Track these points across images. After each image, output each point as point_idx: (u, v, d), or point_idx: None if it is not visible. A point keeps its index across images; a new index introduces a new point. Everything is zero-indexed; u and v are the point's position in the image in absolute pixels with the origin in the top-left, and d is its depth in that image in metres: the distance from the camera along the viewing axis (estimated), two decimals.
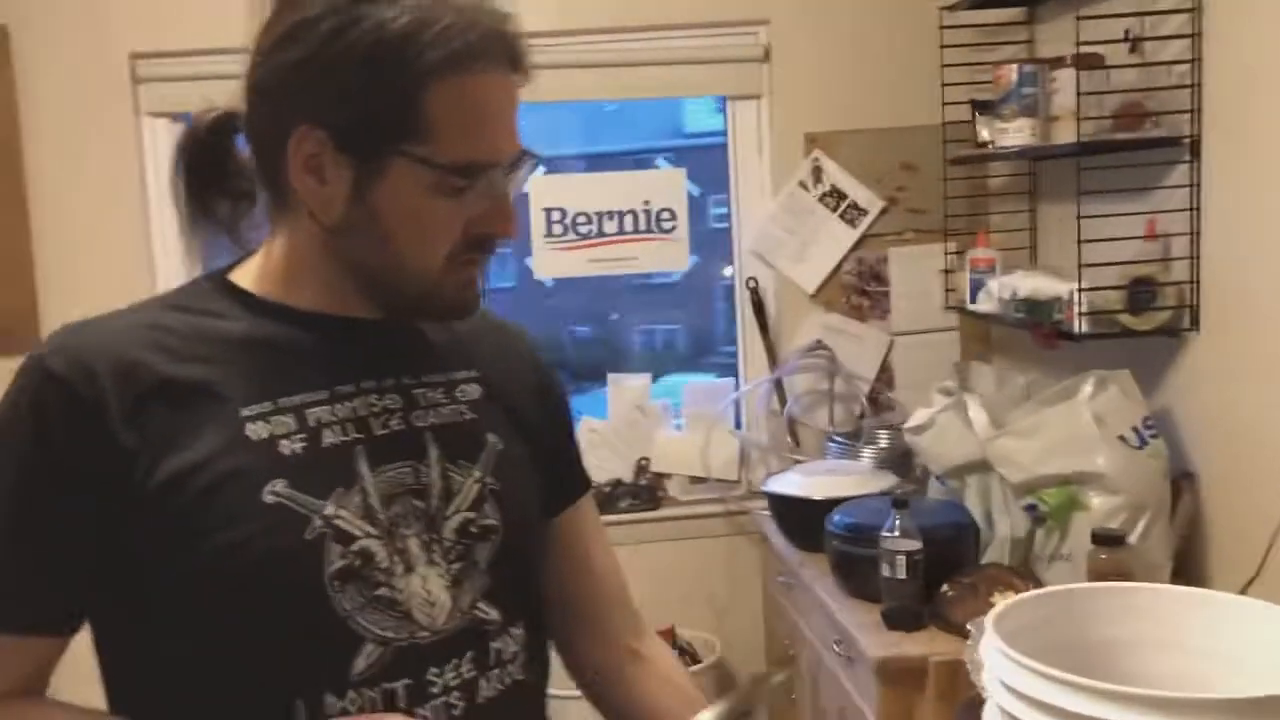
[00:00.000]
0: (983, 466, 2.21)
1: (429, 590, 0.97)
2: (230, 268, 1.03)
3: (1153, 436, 2.14)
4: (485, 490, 1.03)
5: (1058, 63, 2.38)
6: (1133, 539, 2.07)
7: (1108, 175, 2.29)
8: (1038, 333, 2.30)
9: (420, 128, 0.91)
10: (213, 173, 1.02)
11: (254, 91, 0.96)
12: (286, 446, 0.94)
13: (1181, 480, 2.22)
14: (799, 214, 3.03)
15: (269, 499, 0.92)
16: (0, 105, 2.79)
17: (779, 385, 3.06)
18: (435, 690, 0.97)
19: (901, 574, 2.04)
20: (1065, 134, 2.32)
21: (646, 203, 3.09)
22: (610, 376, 3.19)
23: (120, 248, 2.91)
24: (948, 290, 2.89)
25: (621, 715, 1.19)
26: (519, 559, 1.06)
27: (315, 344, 1.00)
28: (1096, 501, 2.09)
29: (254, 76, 0.95)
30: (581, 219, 3.08)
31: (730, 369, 3.23)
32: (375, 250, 0.96)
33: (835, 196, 3.02)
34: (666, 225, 3.10)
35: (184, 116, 2.95)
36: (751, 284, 3.07)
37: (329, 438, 0.96)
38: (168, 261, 2.97)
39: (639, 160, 3.95)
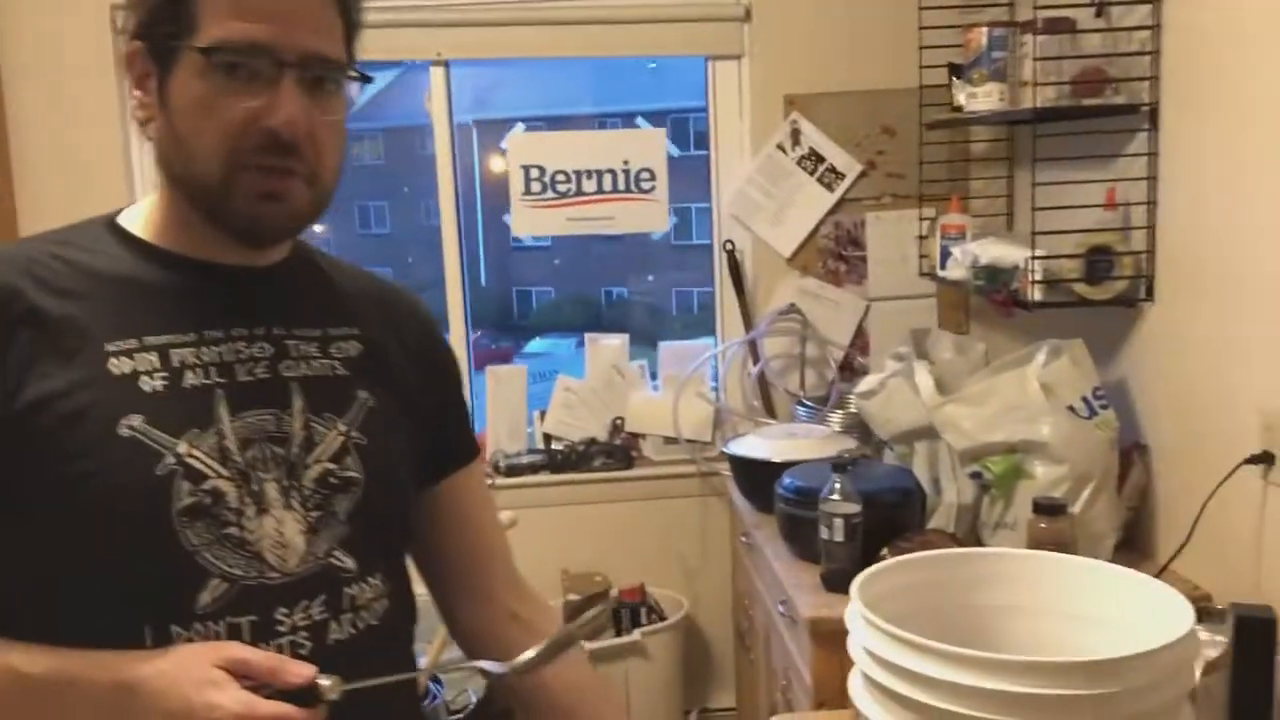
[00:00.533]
0: (930, 433, 2.21)
1: (282, 533, 1.00)
2: (121, 210, 1.07)
3: (1103, 407, 2.13)
4: (349, 443, 1.06)
5: (1027, 26, 2.35)
6: (1075, 509, 2.07)
7: (1070, 142, 2.26)
8: (994, 300, 2.29)
9: (194, 20, 0.97)
10: None
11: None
12: (147, 383, 0.98)
13: (1133, 451, 2.21)
14: (776, 176, 3.01)
15: (124, 432, 0.95)
16: None
17: (753, 348, 3.06)
18: (282, 629, 0.99)
19: (840, 536, 2.05)
20: (1030, 99, 2.29)
21: (626, 162, 3.09)
22: (588, 336, 3.21)
23: (110, 203, 2.95)
24: (921, 256, 2.88)
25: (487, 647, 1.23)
26: (380, 512, 1.08)
27: (187, 287, 1.03)
28: (1041, 470, 2.08)
29: None
30: (560, 177, 3.08)
31: None
32: (176, 153, 1.00)
33: (813, 159, 3.01)
34: (645, 185, 3.10)
35: None
36: (729, 246, 3.07)
37: (191, 379, 1.00)
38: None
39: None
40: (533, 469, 3.08)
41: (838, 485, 2.05)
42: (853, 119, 2.99)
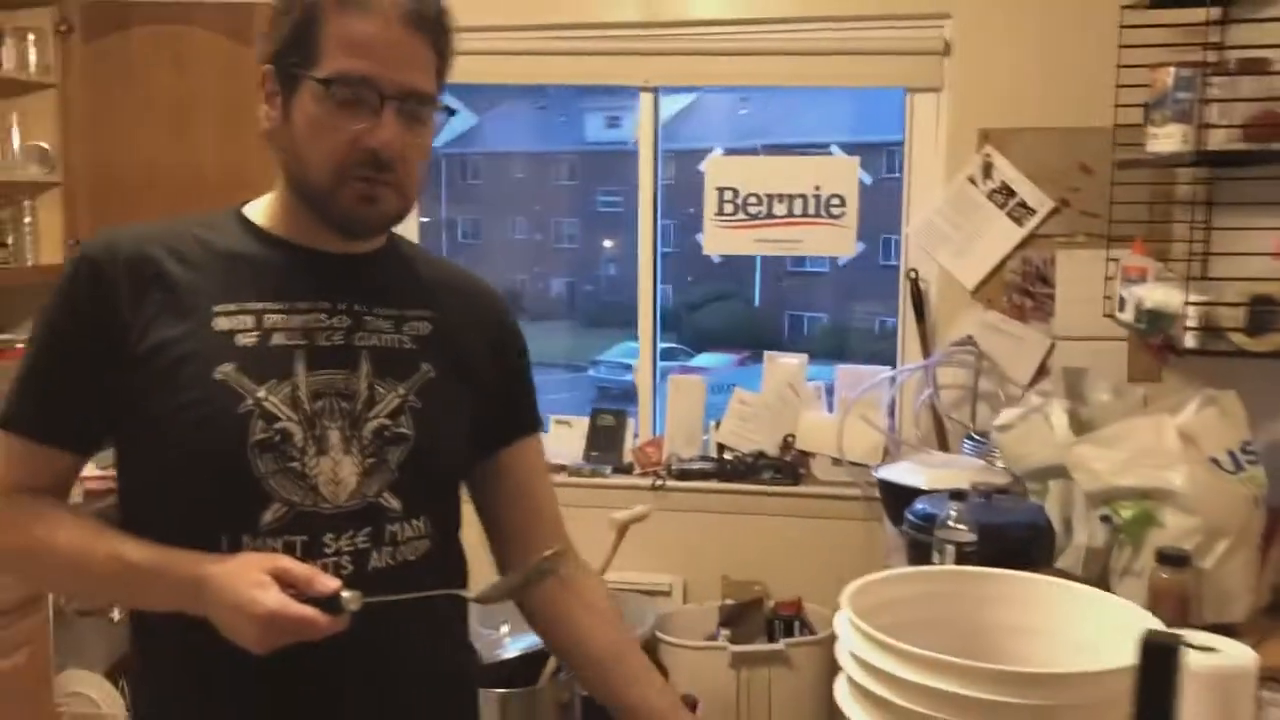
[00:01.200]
0: (1064, 472, 2.18)
1: (337, 472, 1.21)
2: (250, 201, 1.32)
3: (1251, 463, 2.05)
4: (405, 405, 1.26)
5: (1219, 67, 2.29)
6: (1206, 563, 2.00)
7: (1250, 187, 2.19)
8: (1149, 345, 2.23)
9: (316, 54, 1.18)
10: None
11: None
12: (241, 339, 1.21)
13: None
14: (965, 209, 3.02)
15: (218, 376, 1.19)
16: None
17: (933, 379, 3.08)
18: (329, 551, 1.20)
19: (949, 563, 2.07)
20: (1216, 141, 2.23)
21: (817, 188, 3.19)
22: (766, 354, 3.32)
23: None
24: (1106, 298, 2.81)
25: (544, 635, 1.41)
26: (427, 465, 1.27)
27: (287, 266, 1.27)
28: (1171, 520, 2.02)
29: None
30: (752, 200, 3.21)
31: None
32: (294, 160, 1.23)
33: (1004, 193, 2.99)
34: (835, 211, 3.18)
35: None
36: (912, 275, 3.10)
37: (278, 339, 1.22)
38: None
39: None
40: (703, 475, 3.22)
41: (953, 513, 2.08)
42: (1048, 155, 2.96)
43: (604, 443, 3.36)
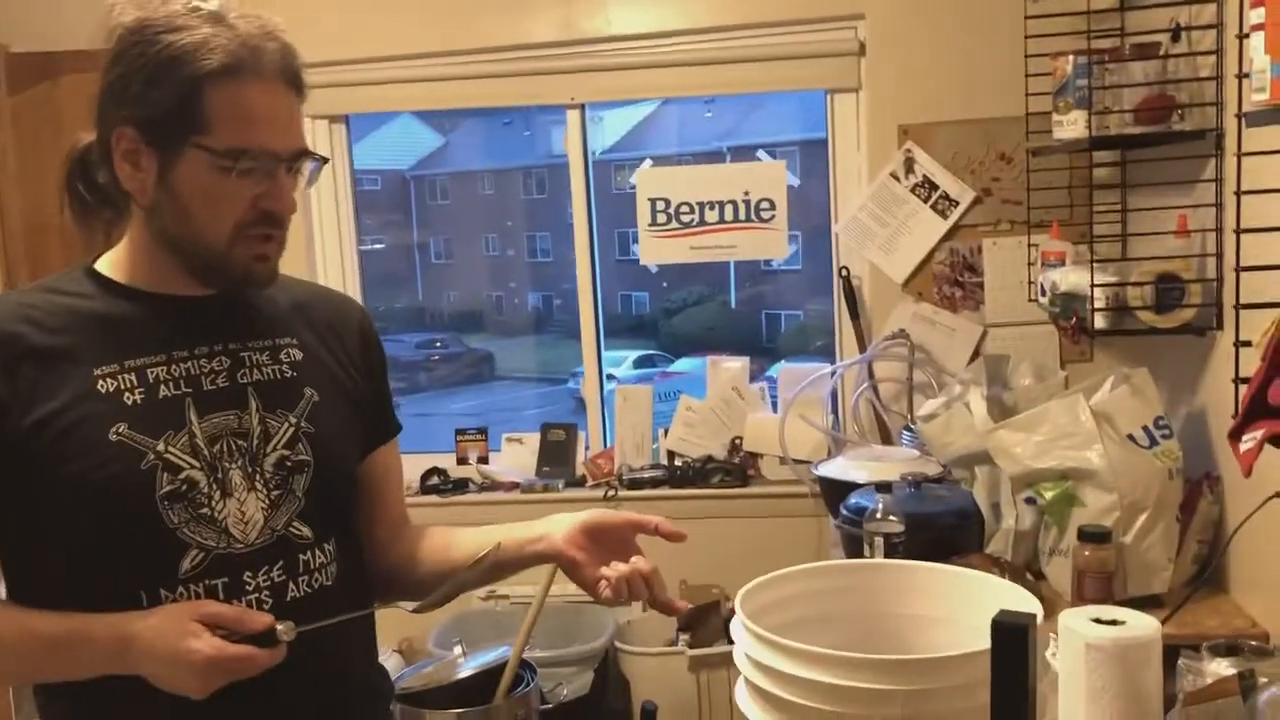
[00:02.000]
0: (988, 458, 2.23)
1: (244, 512, 1.24)
2: (98, 256, 1.33)
3: (1164, 437, 2.11)
4: (299, 432, 1.30)
5: (1114, 53, 2.35)
6: (1127, 538, 2.06)
7: (1157, 168, 2.24)
8: (1062, 328, 2.29)
9: (201, 121, 1.19)
10: (88, 188, 1.32)
11: (95, 108, 1.25)
12: (129, 398, 1.23)
13: (1204, 482, 2.16)
14: (889, 204, 3.07)
15: (113, 438, 1.20)
16: None
17: (870, 373, 3.13)
18: (249, 589, 1.24)
19: (879, 554, 2.11)
20: (1114, 125, 2.29)
21: (746, 193, 3.23)
22: (709, 359, 3.36)
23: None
24: (1029, 283, 2.87)
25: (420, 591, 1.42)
26: (330, 487, 1.32)
27: (155, 317, 1.28)
28: (1092, 498, 2.08)
29: (96, 98, 1.25)
30: (684, 208, 3.26)
31: None
32: (178, 224, 1.24)
33: (927, 187, 3.05)
34: (766, 215, 3.23)
35: (342, 117, 3.38)
36: (844, 272, 3.15)
37: (164, 391, 1.24)
38: (324, 238, 3.43)
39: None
40: (653, 483, 3.25)
41: (880, 504, 2.13)
42: (967, 147, 3.02)
43: (556, 457, 3.39)
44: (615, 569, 1.31)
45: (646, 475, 3.27)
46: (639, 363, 7.48)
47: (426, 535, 1.49)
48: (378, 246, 7.39)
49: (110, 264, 1.31)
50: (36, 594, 1.24)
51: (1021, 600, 1.22)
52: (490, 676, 2.58)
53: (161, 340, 1.27)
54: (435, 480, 3.38)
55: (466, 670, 2.67)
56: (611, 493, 3.26)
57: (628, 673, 3.04)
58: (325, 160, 1.31)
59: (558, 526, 1.37)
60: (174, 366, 1.26)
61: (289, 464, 1.28)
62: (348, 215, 3.47)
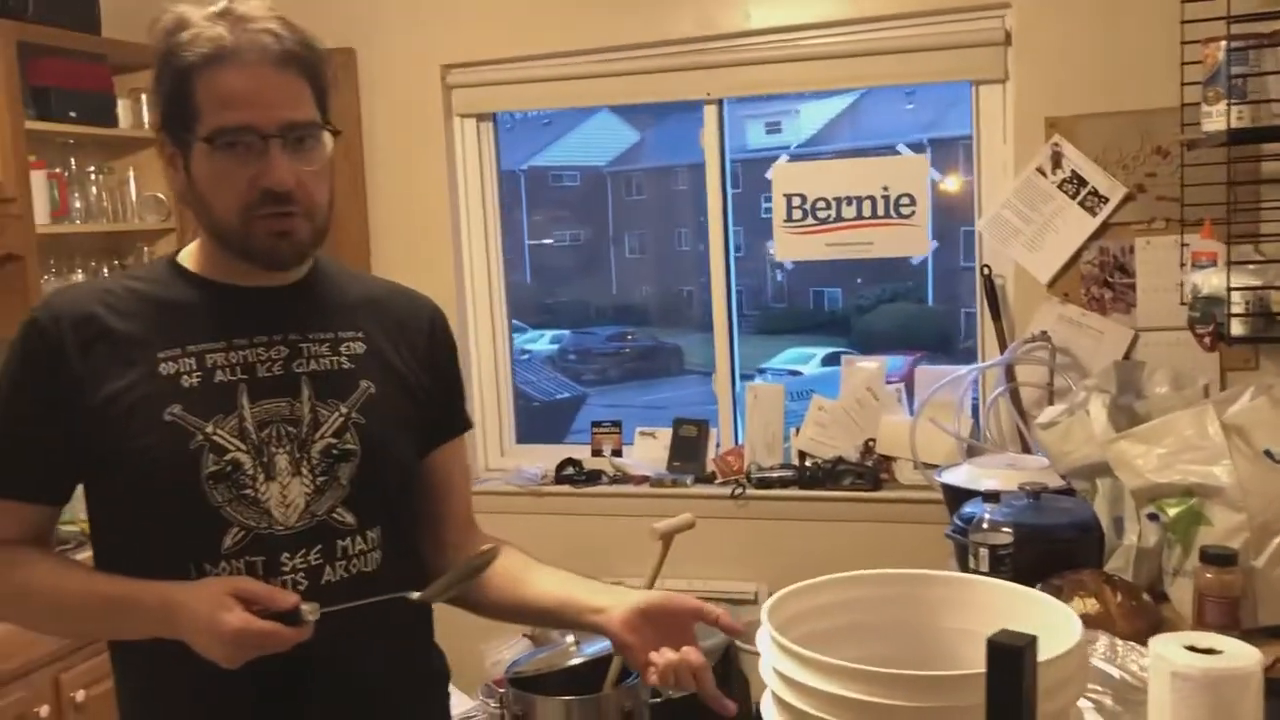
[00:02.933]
0: (1109, 470, 2.11)
1: (286, 495, 1.30)
2: (181, 250, 1.42)
3: None
4: (349, 422, 1.35)
5: (1274, 37, 2.18)
6: (1258, 562, 1.91)
7: None
8: (1199, 334, 2.14)
9: (195, 114, 1.26)
10: None
11: None
12: (186, 380, 1.30)
13: None
14: (1035, 201, 2.93)
15: (167, 417, 1.29)
16: (347, 112, 3.46)
17: (1009, 377, 3.00)
18: (286, 569, 1.30)
19: (985, 567, 2.03)
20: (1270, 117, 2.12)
21: (885, 188, 3.15)
22: (844, 358, 3.30)
23: (435, 225, 3.50)
24: (1180, 284, 2.68)
25: (497, 614, 1.47)
26: (377, 477, 1.36)
27: (219, 305, 1.36)
28: (1219, 517, 1.93)
29: None
30: (820, 204, 3.20)
31: None
32: (203, 214, 1.31)
33: (1075, 183, 2.90)
34: (905, 211, 3.14)
35: (488, 115, 3.48)
36: (986, 271, 3.03)
37: (220, 376, 1.32)
38: (470, 232, 3.54)
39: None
40: (782, 483, 3.22)
41: (987, 515, 2.04)
42: (1119, 140, 2.85)
43: (687, 453, 3.40)
44: (665, 656, 1.29)
45: (776, 475, 3.24)
46: (827, 360, 7.39)
47: (503, 557, 1.44)
48: (573, 241, 7.57)
49: (187, 255, 1.40)
50: (112, 558, 1.34)
51: (1064, 619, 1.16)
52: (601, 666, 2.64)
53: (223, 328, 1.34)
54: (570, 471, 3.45)
55: (578, 658, 2.73)
56: (739, 490, 3.24)
57: (747, 672, 3.02)
58: (331, 130, 1.33)
59: (619, 604, 1.33)
60: (232, 353, 1.33)
61: (335, 452, 1.33)
62: (493, 211, 3.57)
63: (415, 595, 1.29)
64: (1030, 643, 0.90)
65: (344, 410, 1.35)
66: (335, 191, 1.36)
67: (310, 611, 1.20)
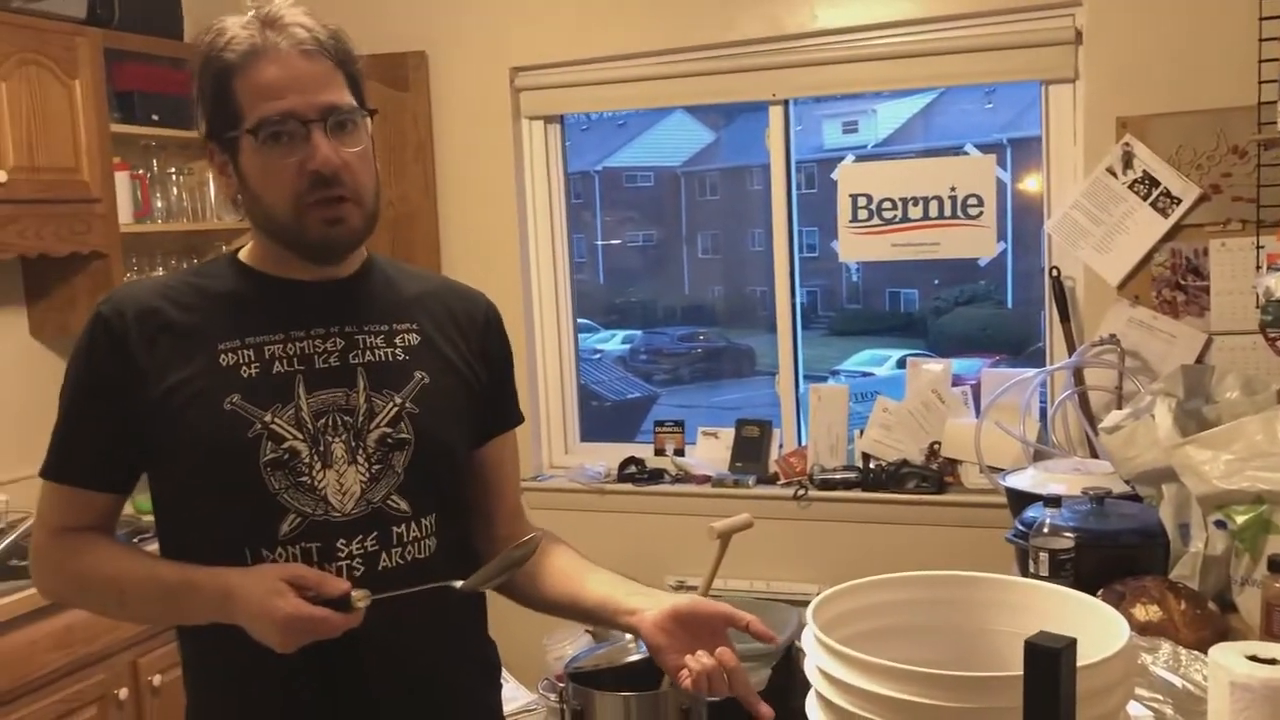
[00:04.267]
0: (1174, 475, 2.07)
1: (342, 482, 1.34)
2: (242, 246, 1.46)
3: None
4: (403, 412, 1.39)
5: None
6: None
7: None
8: (1269, 338, 2.09)
9: (239, 113, 1.30)
10: None
11: None
12: (245, 371, 1.35)
13: None
14: (1105, 201, 2.89)
15: (227, 407, 1.33)
16: (421, 114, 3.53)
17: (1078, 380, 2.95)
18: (341, 556, 1.33)
19: (1044, 571, 2.01)
20: None
21: (953, 189, 3.13)
22: (909, 360, 3.27)
23: (503, 225, 3.55)
24: (1254, 288, 2.62)
25: (542, 607, 1.50)
26: (431, 465, 1.39)
27: (278, 299, 1.40)
28: None
29: None
30: (886, 204, 3.19)
31: None
32: (256, 212, 1.35)
33: (1146, 183, 2.84)
34: (973, 211, 3.11)
35: (556, 117, 3.52)
36: (1054, 272, 2.99)
37: (278, 367, 1.36)
38: (536, 232, 3.58)
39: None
40: (845, 485, 3.21)
41: (1048, 520, 2.02)
42: (1192, 139, 2.79)
43: (749, 453, 3.40)
44: (699, 660, 1.30)
45: (839, 476, 3.23)
46: (901, 363, 7.29)
47: (554, 555, 1.50)
48: (646, 241, 7.59)
49: (247, 251, 1.45)
50: (173, 545, 1.39)
51: (1113, 625, 1.15)
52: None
53: (281, 320, 1.38)
54: (632, 469, 3.47)
55: (637, 655, 2.75)
56: (802, 491, 3.23)
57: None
58: (368, 111, 1.36)
59: (652, 606, 1.35)
60: (290, 345, 1.37)
61: (390, 441, 1.37)
62: (560, 211, 3.61)
63: (459, 584, 1.32)
64: (1068, 645, 0.90)
65: (398, 400, 1.39)
66: (380, 179, 1.40)
67: (360, 598, 1.24)
